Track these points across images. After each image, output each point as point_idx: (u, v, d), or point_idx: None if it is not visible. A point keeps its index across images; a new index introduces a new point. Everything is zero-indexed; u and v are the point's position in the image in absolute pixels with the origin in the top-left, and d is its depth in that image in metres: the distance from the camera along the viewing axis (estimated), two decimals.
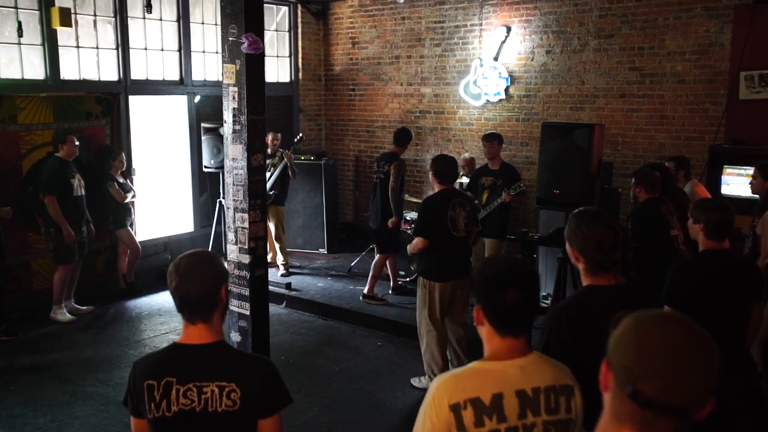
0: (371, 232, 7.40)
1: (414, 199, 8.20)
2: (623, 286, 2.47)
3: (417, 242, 5.02)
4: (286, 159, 7.84)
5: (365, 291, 7.10)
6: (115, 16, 7.56)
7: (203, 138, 7.99)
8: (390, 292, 7.28)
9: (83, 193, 6.59)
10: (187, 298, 2.06)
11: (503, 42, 8.10)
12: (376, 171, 7.23)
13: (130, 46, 7.70)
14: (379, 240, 7.15)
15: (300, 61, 9.76)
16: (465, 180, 7.45)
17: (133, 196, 7.38)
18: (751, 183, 5.27)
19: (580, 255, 2.47)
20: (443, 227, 4.95)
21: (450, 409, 1.85)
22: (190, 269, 2.07)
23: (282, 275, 7.95)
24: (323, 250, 9.07)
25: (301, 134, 8.46)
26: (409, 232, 7.44)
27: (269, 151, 7.64)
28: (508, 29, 8.06)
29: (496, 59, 8.17)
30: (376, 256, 7.18)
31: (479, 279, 2.00)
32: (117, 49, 7.61)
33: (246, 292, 4.36)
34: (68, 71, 7.18)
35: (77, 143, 6.53)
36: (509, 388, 1.88)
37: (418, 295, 5.20)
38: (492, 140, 6.82)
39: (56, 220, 6.33)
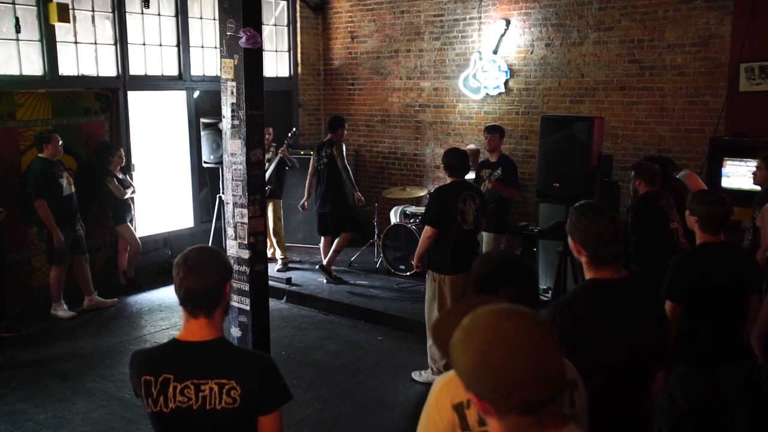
0: (328, 216, 7.48)
1: (416, 194, 8.19)
2: (625, 280, 2.47)
3: (426, 231, 5.02)
4: (280, 154, 7.83)
5: (324, 262, 7.57)
6: (113, 12, 7.54)
7: (202, 133, 7.98)
8: (317, 267, 7.63)
9: (74, 190, 6.54)
10: (192, 290, 2.06)
11: (502, 35, 8.07)
12: (317, 159, 7.50)
13: (129, 41, 7.68)
14: (347, 218, 7.49)
15: (299, 55, 9.73)
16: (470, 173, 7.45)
17: (133, 192, 7.37)
18: (754, 174, 5.15)
19: (582, 248, 2.47)
20: (453, 219, 4.95)
21: (453, 409, 1.84)
22: (198, 263, 2.07)
23: (279, 270, 7.95)
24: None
25: (294, 129, 8.43)
26: (414, 224, 7.45)
27: None
28: (508, 22, 8.03)
29: (495, 52, 8.15)
30: (342, 235, 7.50)
31: (475, 277, 1.98)
32: (115, 44, 7.59)
33: (246, 287, 4.35)
34: (66, 67, 7.16)
35: (61, 142, 6.41)
36: None
37: (427, 289, 5.18)
38: (493, 132, 6.83)
39: (47, 224, 6.27)
